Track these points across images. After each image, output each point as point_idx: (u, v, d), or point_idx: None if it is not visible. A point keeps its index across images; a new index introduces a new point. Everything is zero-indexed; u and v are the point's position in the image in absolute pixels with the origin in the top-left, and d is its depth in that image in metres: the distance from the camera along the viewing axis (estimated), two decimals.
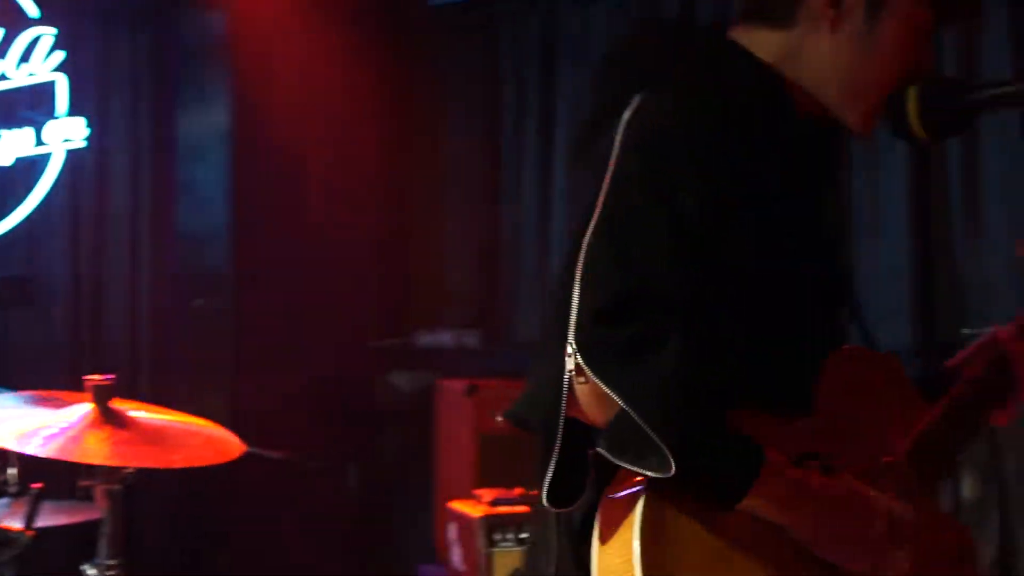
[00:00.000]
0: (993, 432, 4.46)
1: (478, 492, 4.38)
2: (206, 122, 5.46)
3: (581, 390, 1.58)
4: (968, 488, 4.51)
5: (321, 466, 5.08)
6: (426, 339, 5.65)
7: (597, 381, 1.54)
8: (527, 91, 5.61)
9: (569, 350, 1.57)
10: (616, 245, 1.61)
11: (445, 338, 5.60)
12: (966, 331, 4.53)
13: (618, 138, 1.69)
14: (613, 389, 1.53)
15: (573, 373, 1.57)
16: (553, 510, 1.64)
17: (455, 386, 4.93)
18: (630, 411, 1.53)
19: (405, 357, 5.72)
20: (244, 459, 3.26)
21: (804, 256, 1.80)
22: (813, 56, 1.82)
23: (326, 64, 5.57)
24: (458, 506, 4.38)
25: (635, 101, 1.73)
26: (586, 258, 1.61)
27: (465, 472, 4.65)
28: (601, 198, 1.65)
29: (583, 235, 1.63)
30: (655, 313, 1.56)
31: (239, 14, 5.39)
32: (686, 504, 1.58)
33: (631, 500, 1.59)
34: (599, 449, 1.58)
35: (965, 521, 4.47)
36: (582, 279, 1.60)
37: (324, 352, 5.55)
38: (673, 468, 1.52)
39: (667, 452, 1.52)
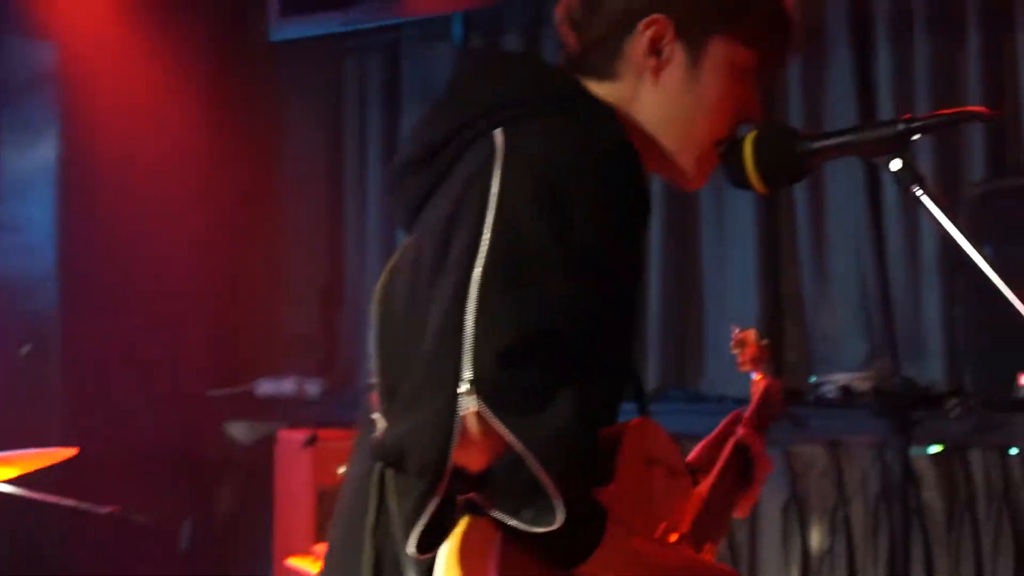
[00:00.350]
0: (841, 481, 4.51)
1: (317, 548, 4.27)
2: (32, 158, 5.26)
3: (471, 431, 1.51)
4: (815, 539, 4.54)
5: (153, 521, 4.90)
6: (266, 387, 5.54)
7: (499, 426, 1.48)
8: (370, 130, 5.58)
9: (463, 388, 1.49)
10: (513, 283, 1.53)
11: (286, 386, 5.50)
12: (814, 379, 4.58)
13: (498, 169, 1.61)
14: (515, 435, 1.48)
15: (471, 412, 1.49)
16: (419, 556, 1.56)
17: (295, 437, 4.83)
18: (529, 459, 1.48)
19: (244, 406, 5.62)
20: (72, 514, 3.11)
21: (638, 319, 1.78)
22: (638, 108, 1.81)
23: (162, 100, 5.44)
24: (296, 562, 4.26)
25: (504, 131, 1.67)
26: (480, 297, 1.52)
27: (304, 527, 4.55)
28: (488, 233, 1.56)
29: (467, 270, 1.55)
30: (557, 356, 1.51)
31: (69, 45, 5.22)
32: (515, 554, 1.54)
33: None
34: (477, 495, 1.53)
35: (814, 572, 4.49)
36: (477, 320, 1.51)
37: (158, 401, 5.39)
38: (559, 522, 1.48)
39: (558, 506, 1.48)
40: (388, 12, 5.00)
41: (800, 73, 4.66)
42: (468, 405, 1.48)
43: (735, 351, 2.60)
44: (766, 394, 2.46)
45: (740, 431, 2.20)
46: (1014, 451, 4.20)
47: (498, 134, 1.66)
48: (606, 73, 1.81)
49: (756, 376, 2.56)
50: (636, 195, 1.65)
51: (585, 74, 1.82)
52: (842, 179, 4.58)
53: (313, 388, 5.45)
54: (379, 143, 5.53)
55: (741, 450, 2.14)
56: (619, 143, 1.66)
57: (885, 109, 4.50)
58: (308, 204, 5.76)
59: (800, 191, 4.65)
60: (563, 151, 1.61)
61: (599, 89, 1.81)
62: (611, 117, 1.74)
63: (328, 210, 5.73)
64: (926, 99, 4.42)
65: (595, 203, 1.58)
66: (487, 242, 1.55)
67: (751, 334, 2.60)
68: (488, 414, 1.48)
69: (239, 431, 5.64)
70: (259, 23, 5.51)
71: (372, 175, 5.55)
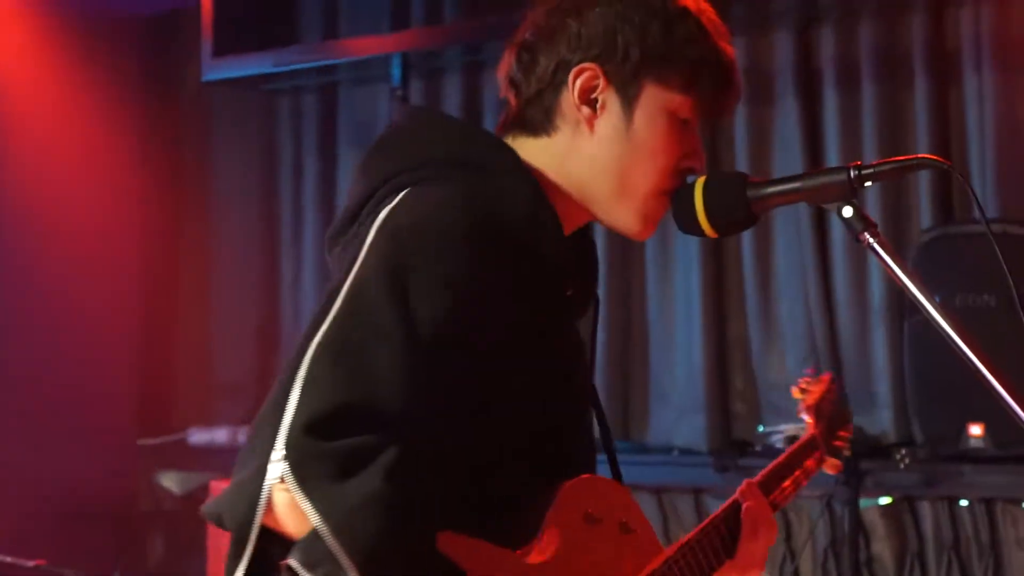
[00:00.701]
0: (789, 534, 4.47)
1: None
2: None
3: (279, 499, 1.52)
4: None
5: (82, 574, 4.80)
6: (199, 436, 5.47)
7: (299, 495, 1.50)
8: (306, 172, 5.55)
9: (275, 456, 1.51)
10: (343, 351, 1.56)
11: (219, 435, 5.43)
12: (761, 429, 4.56)
13: (370, 235, 1.66)
14: (312, 504, 1.50)
15: (276, 480, 1.51)
16: None
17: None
18: (322, 528, 1.49)
19: (176, 456, 5.54)
20: None
21: (550, 384, 1.76)
22: (577, 159, 1.81)
23: (83, 142, 5.39)
24: None
25: (399, 196, 1.70)
26: (310, 363, 1.55)
27: None
28: (339, 299, 1.60)
29: (313, 334, 1.59)
30: (372, 428, 1.52)
31: None
32: None
33: None
34: (290, 562, 1.53)
35: None
36: (302, 385, 1.54)
37: (87, 450, 5.30)
38: None
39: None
40: (323, 53, 4.98)
41: (746, 119, 4.66)
42: (275, 473, 1.50)
43: (798, 396, 2.56)
44: (807, 443, 2.40)
45: (742, 486, 2.10)
46: (964, 503, 4.19)
47: (387, 205, 1.69)
48: (543, 128, 1.82)
49: (808, 420, 2.52)
50: (497, 270, 1.66)
51: (524, 131, 1.84)
52: (789, 224, 4.57)
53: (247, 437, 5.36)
54: (315, 185, 5.49)
55: (734, 509, 2.03)
56: (483, 217, 1.67)
57: (832, 156, 4.50)
58: (242, 246, 5.71)
59: (746, 236, 4.64)
60: (418, 224, 1.64)
61: (536, 145, 1.82)
62: (502, 186, 1.73)
63: (263, 252, 5.67)
64: (873, 146, 4.43)
65: (441, 278, 1.61)
66: (334, 312, 1.59)
67: (827, 376, 2.58)
68: (291, 483, 1.49)
69: (171, 481, 5.55)
70: (191, 63, 5.49)
71: (308, 217, 5.51)
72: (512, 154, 1.80)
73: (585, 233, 1.91)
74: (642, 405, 4.87)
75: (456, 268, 1.62)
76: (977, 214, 1.64)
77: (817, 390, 2.55)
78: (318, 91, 5.48)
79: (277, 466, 1.49)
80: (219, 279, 5.76)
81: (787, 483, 2.26)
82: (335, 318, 1.58)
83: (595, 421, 1.98)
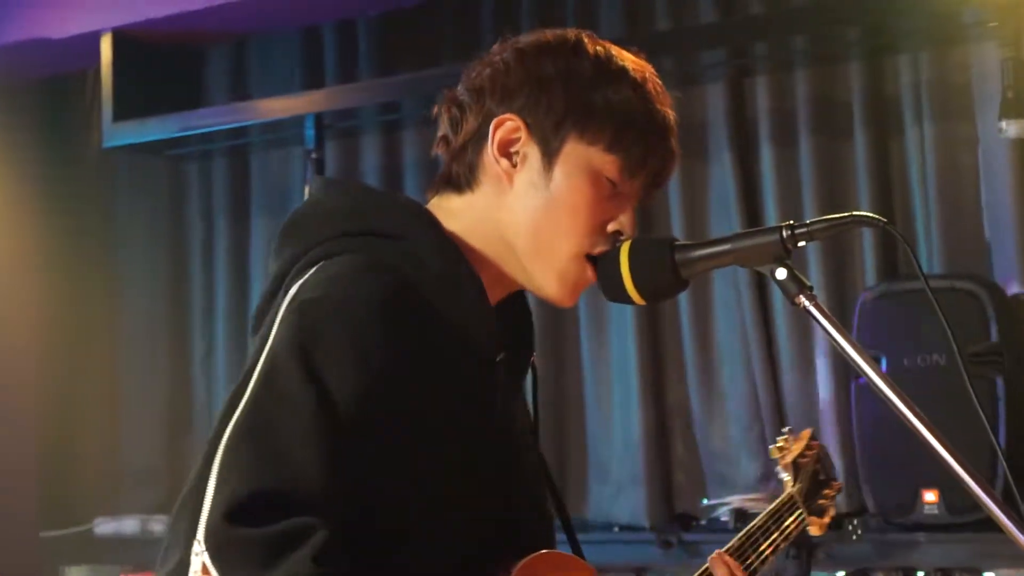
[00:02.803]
0: None
1: None
2: None
3: None
4: None
5: None
6: (106, 527, 5.42)
7: None
8: (217, 241, 5.52)
9: (196, 548, 1.53)
10: (260, 434, 1.57)
11: (128, 525, 5.39)
12: (706, 501, 4.55)
13: (280, 313, 1.67)
14: None
15: (199, 572, 1.52)
16: None
17: None
18: None
19: (82, 548, 5.48)
20: None
21: (486, 458, 1.76)
22: (497, 215, 1.82)
23: None
24: None
25: (310, 272, 1.72)
26: (226, 448, 1.57)
27: None
28: (252, 381, 1.62)
29: (228, 419, 1.60)
30: (295, 513, 1.53)
31: None
32: None
33: None
34: None
35: None
36: (219, 472, 1.56)
37: None
38: None
39: None
40: (231, 115, 4.96)
41: (679, 175, 4.68)
42: (198, 566, 1.51)
43: (776, 456, 2.57)
44: (785, 504, 2.41)
45: (712, 557, 2.15)
46: (921, 574, 4.19)
47: (299, 281, 1.71)
48: (468, 183, 1.84)
49: (786, 479, 2.52)
50: (413, 339, 1.66)
51: (449, 187, 1.85)
52: (728, 285, 4.59)
53: (158, 527, 5.31)
54: (227, 254, 5.46)
55: None
56: (395, 285, 1.68)
57: (770, 212, 4.53)
58: (149, 322, 5.66)
59: (684, 299, 4.65)
60: (326, 297, 1.65)
61: (460, 203, 1.84)
62: (416, 252, 1.74)
63: (171, 327, 5.63)
64: (813, 201, 4.47)
65: (353, 352, 1.61)
66: (247, 394, 1.60)
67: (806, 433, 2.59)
68: (213, 572, 1.50)
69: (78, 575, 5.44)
70: (92, 128, 5.46)
71: (220, 289, 5.47)
72: (428, 219, 1.80)
73: (520, 295, 1.91)
74: (579, 480, 4.85)
75: (368, 340, 1.62)
76: (912, 270, 1.67)
77: (796, 448, 2.56)
78: (228, 155, 5.46)
79: (199, 558, 1.51)
80: (125, 357, 5.69)
81: (765, 547, 2.27)
82: (249, 400, 1.60)
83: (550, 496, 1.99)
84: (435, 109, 1.91)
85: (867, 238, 4.41)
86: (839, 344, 1.69)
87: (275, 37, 5.28)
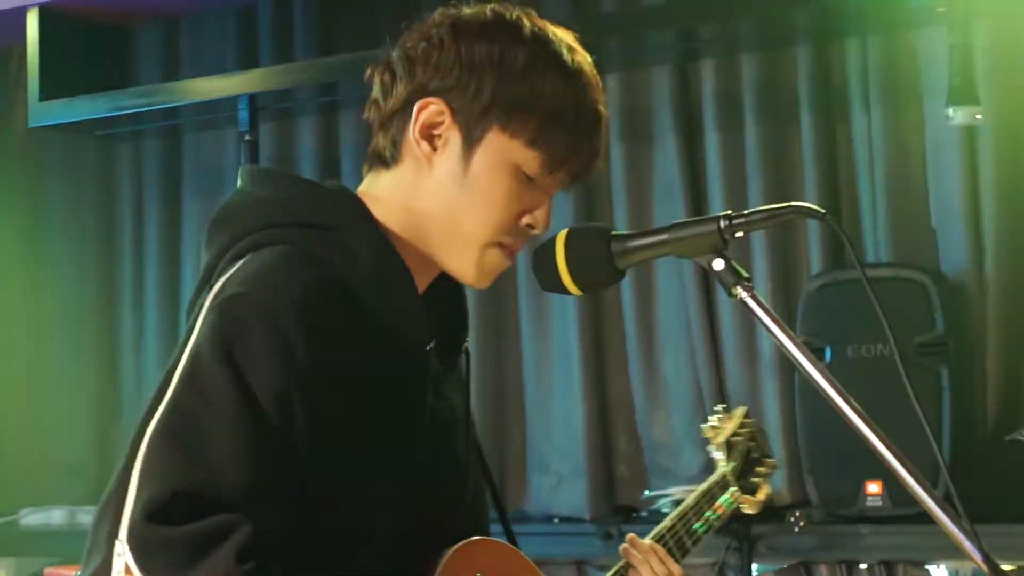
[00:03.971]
0: None
1: None
2: None
3: None
4: None
5: None
6: (32, 518, 5.38)
7: None
8: (148, 223, 5.49)
9: (118, 548, 1.55)
10: (180, 432, 1.59)
11: (55, 516, 5.36)
12: (648, 493, 4.57)
13: (204, 308, 1.69)
14: None
15: (122, 572, 1.54)
16: None
17: (65, 574, 4.67)
18: None
19: (7, 540, 5.44)
20: None
21: (415, 449, 1.78)
22: (417, 196, 1.84)
23: None
24: None
25: (235, 266, 1.73)
26: (148, 447, 1.59)
27: None
28: (174, 379, 1.64)
29: (151, 417, 1.62)
30: (217, 510, 1.56)
31: None
32: None
33: None
34: None
35: None
36: (141, 471, 1.58)
37: None
38: None
39: None
40: (163, 96, 4.93)
41: (624, 160, 4.70)
42: (120, 566, 1.54)
43: (709, 435, 2.59)
44: (716, 483, 2.44)
45: (625, 543, 2.18)
46: (864, 566, 4.23)
47: (226, 272, 1.73)
48: (392, 158, 1.85)
49: (719, 457, 2.54)
50: (338, 332, 1.68)
51: (378, 162, 1.87)
52: (671, 275, 4.61)
53: (87, 518, 5.27)
54: (159, 238, 5.42)
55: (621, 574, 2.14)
56: (318, 276, 1.69)
57: (715, 199, 4.55)
58: (76, 308, 5.61)
59: (627, 286, 4.67)
60: (247, 292, 1.66)
61: (388, 178, 1.85)
62: (342, 241, 1.75)
63: (100, 313, 5.58)
64: (759, 188, 4.48)
65: (274, 347, 1.62)
66: (169, 392, 1.62)
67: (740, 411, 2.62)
68: (136, 572, 1.52)
69: (4, 569, 5.46)
70: (16, 106, 5.41)
71: (151, 273, 5.44)
72: (359, 209, 1.81)
73: (450, 279, 1.91)
74: (519, 472, 4.86)
75: (291, 337, 1.63)
76: (852, 260, 1.68)
77: (730, 426, 2.59)
78: (160, 136, 5.42)
79: (121, 558, 1.53)
80: (51, 344, 5.64)
81: (698, 524, 2.31)
82: (170, 399, 1.61)
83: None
84: (368, 71, 1.91)
85: (813, 226, 4.44)
86: (775, 336, 1.70)
87: (208, 14, 5.24)
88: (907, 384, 1.70)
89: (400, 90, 1.83)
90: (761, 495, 2.58)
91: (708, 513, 2.39)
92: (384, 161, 1.85)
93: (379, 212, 1.82)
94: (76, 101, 4.90)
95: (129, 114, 4.97)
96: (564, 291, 1.83)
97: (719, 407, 2.70)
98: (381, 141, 1.86)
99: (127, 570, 1.52)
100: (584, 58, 1.87)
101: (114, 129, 5.27)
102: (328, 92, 4.89)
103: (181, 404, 1.60)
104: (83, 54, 5.03)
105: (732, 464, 2.54)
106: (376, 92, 1.88)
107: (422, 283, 1.85)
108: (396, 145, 1.84)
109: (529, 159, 1.81)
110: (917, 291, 4.00)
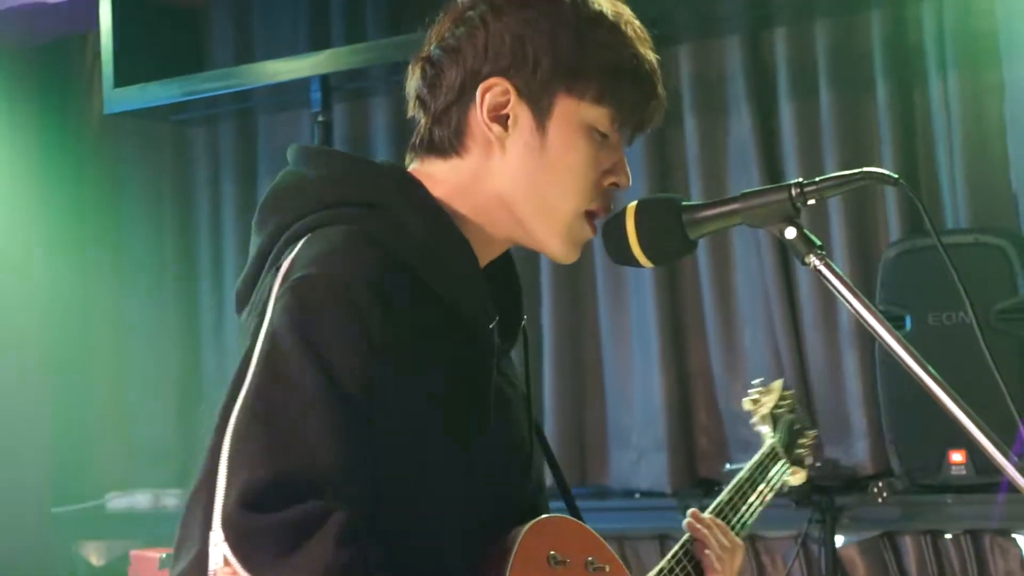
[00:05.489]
0: None
1: None
2: None
3: None
4: None
5: None
6: (118, 502, 5.46)
7: (244, 575, 1.51)
8: (224, 207, 5.54)
9: (213, 538, 1.53)
10: (267, 417, 1.57)
11: (140, 500, 5.42)
12: (729, 466, 4.55)
13: (274, 291, 1.66)
14: None
15: (220, 565, 1.52)
16: None
17: (150, 556, 4.70)
18: None
19: (94, 524, 5.53)
20: None
21: (483, 428, 1.77)
22: (490, 181, 1.81)
23: None
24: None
25: (298, 245, 1.71)
26: (234, 436, 1.56)
27: None
28: (252, 364, 1.61)
29: (232, 406, 1.59)
30: (311, 496, 1.53)
31: None
32: None
33: None
34: None
35: None
36: (229, 460, 1.55)
37: None
38: None
39: None
40: (235, 79, 4.95)
41: (697, 131, 4.67)
42: (217, 557, 1.52)
43: (750, 408, 2.61)
44: (767, 455, 2.45)
45: (688, 518, 2.19)
46: (949, 536, 4.19)
47: (289, 256, 1.70)
48: (453, 149, 1.82)
49: (764, 431, 2.55)
50: (408, 311, 1.67)
51: (433, 153, 1.84)
52: (749, 245, 4.58)
53: (171, 501, 5.34)
54: (235, 221, 5.48)
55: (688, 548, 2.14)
56: (385, 257, 1.68)
57: (791, 167, 4.52)
58: (157, 293, 5.68)
59: (703, 258, 4.65)
60: (318, 274, 1.64)
61: (446, 168, 1.82)
62: (404, 222, 1.74)
63: (179, 298, 5.65)
64: (834, 156, 4.45)
65: (351, 328, 1.61)
66: (249, 377, 1.60)
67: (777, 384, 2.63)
68: (236, 564, 1.50)
69: (90, 552, 5.53)
70: (93, 93, 5.47)
71: (228, 257, 5.49)
72: (414, 185, 1.79)
73: (507, 258, 1.92)
74: (599, 447, 4.86)
75: (366, 317, 1.62)
76: (928, 228, 1.66)
77: (769, 400, 2.59)
78: (234, 120, 5.47)
79: (218, 549, 1.51)
80: (132, 329, 5.71)
81: (754, 498, 2.30)
82: (251, 385, 1.59)
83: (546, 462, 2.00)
84: (408, 69, 1.89)
85: (890, 193, 4.39)
86: (850, 304, 1.68)
87: None
88: (986, 352, 1.68)
89: (451, 81, 1.81)
90: (806, 467, 2.59)
91: (762, 486, 2.39)
92: (442, 151, 1.82)
93: (439, 192, 1.80)
94: (150, 87, 4.94)
95: (203, 98, 5.01)
96: (635, 264, 1.81)
97: (756, 381, 2.70)
98: (437, 133, 1.82)
99: (225, 561, 1.51)
100: (624, 8, 1.86)
101: (189, 114, 5.31)
102: (400, 71, 4.87)
103: (264, 389, 1.58)
104: (156, 39, 5.06)
105: (778, 435, 2.54)
106: (418, 87, 1.86)
107: (485, 259, 1.84)
108: (459, 135, 1.81)
109: (599, 116, 1.80)
110: (998, 256, 3.95)
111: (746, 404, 2.62)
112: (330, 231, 1.70)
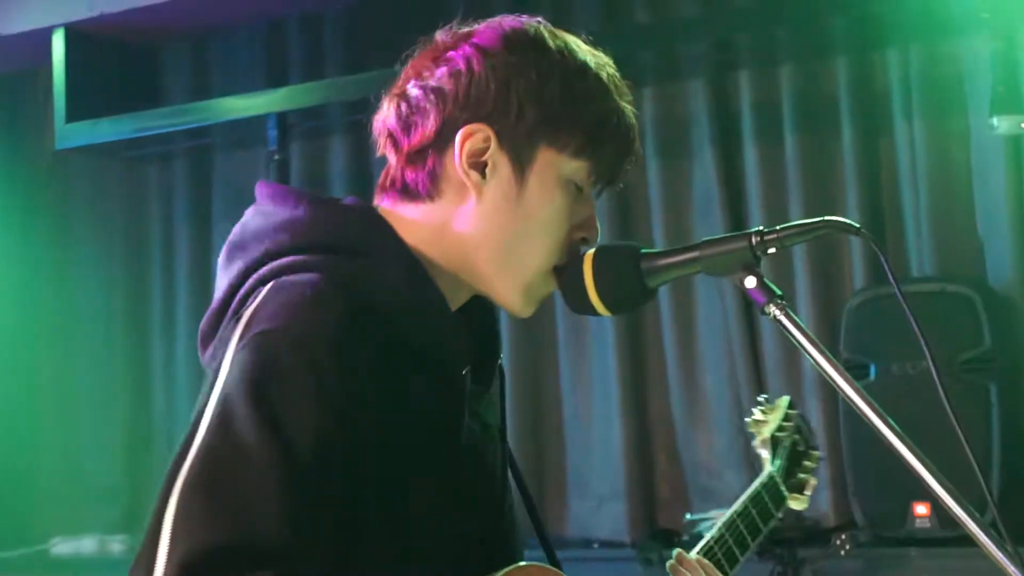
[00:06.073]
0: None
1: None
2: None
3: None
4: None
5: None
6: (63, 547, 5.41)
7: None
8: (178, 245, 5.52)
9: None
10: (213, 489, 1.52)
11: (86, 545, 5.39)
12: (690, 516, 4.54)
13: (233, 343, 1.62)
14: None
15: None
16: None
17: None
18: None
19: (39, 570, 5.49)
20: None
21: (456, 481, 1.74)
22: (460, 228, 1.78)
23: None
24: None
25: (263, 291, 1.67)
26: (179, 501, 1.52)
27: None
28: (203, 423, 1.56)
29: (180, 466, 1.54)
30: (256, 565, 1.49)
31: None
32: None
33: None
34: None
35: None
36: (172, 527, 1.50)
37: None
38: None
39: None
40: (190, 115, 4.94)
41: (661, 175, 4.69)
42: None
43: (753, 430, 2.56)
44: (764, 484, 2.41)
45: (674, 559, 2.14)
46: None
47: (251, 305, 1.66)
48: (426, 193, 1.78)
49: (764, 456, 2.52)
50: (375, 366, 1.63)
51: (404, 196, 1.79)
52: (711, 290, 4.59)
53: (118, 546, 5.31)
54: (188, 260, 5.47)
55: None
56: (352, 306, 1.64)
57: (755, 213, 4.54)
58: (106, 333, 5.64)
59: (665, 303, 4.65)
60: (279, 328, 1.61)
61: (416, 212, 1.78)
62: (374, 267, 1.71)
63: (130, 338, 5.62)
64: (799, 201, 4.47)
65: (311, 388, 1.57)
66: (199, 438, 1.55)
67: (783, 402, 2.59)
68: None
69: None
70: (43, 130, 5.45)
71: (181, 298, 5.47)
72: (385, 229, 1.76)
73: (481, 299, 1.87)
74: (557, 494, 4.85)
75: (325, 372, 1.58)
76: (889, 276, 1.65)
77: (773, 419, 2.55)
78: (188, 157, 5.45)
79: None
80: (80, 369, 5.67)
81: (746, 533, 2.28)
82: (201, 447, 1.55)
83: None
84: (380, 102, 1.83)
85: (855, 241, 4.40)
86: (810, 355, 1.68)
87: (236, 32, 5.26)
88: (947, 403, 1.67)
89: (429, 122, 1.77)
90: (808, 490, 2.54)
91: (757, 519, 2.36)
92: (412, 195, 1.78)
93: (410, 235, 1.77)
94: (103, 122, 4.93)
95: (157, 135, 5.00)
96: (593, 312, 1.79)
97: (761, 398, 2.65)
98: (409, 175, 1.78)
99: None
100: (604, 59, 1.83)
101: (142, 150, 5.30)
102: (359, 109, 4.89)
103: (213, 454, 1.54)
104: (109, 74, 5.06)
105: (778, 463, 2.50)
106: (391, 125, 1.80)
107: (455, 305, 1.80)
108: (434, 179, 1.77)
109: (578, 169, 1.77)
110: (964, 305, 3.97)
111: (749, 424, 2.58)
112: (296, 280, 1.67)
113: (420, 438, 1.69)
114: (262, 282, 1.69)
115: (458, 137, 1.75)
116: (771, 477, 2.46)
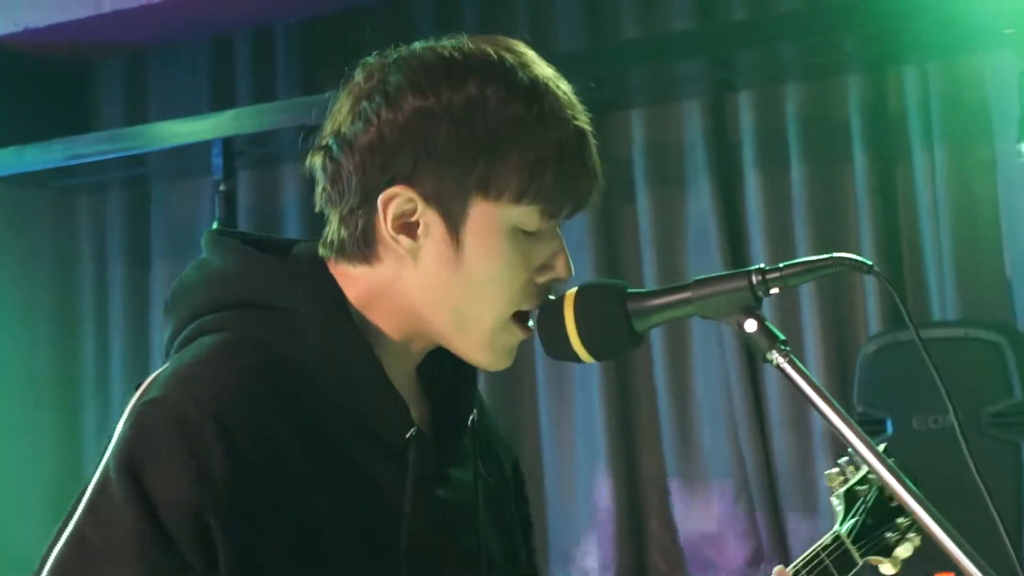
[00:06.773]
0: None
1: None
2: None
3: None
4: None
5: None
6: None
7: None
8: (111, 292, 5.52)
9: None
10: (80, 570, 1.60)
11: None
12: None
13: (127, 410, 1.66)
14: None
15: None
16: None
17: None
18: None
19: None
20: None
21: (388, 560, 1.74)
22: (404, 293, 1.78)
23: None
24: None
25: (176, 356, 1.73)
26: None
27: None
28: (84, 498, 1.63)
29: (58, 540, 1.62)
30: None
31: None
32: None
33: None
34: None
35: None
36: None
37: None
38: None
39: None
40: (126, 141, 4.95)
41: (652, 206, 4.70)
42: None
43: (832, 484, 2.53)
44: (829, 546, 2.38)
45: None
46: None
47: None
48: (364, 256, 1.78)
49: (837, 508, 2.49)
50: (261, 448, 1.65)
51: (344, 257, 1.79)
52: (708, 333, 4.59)
53: None
54: (124, 304, 5.47)
55: None
56: (263, 369, 1.68)
57: (756, 248, 4.55)
58: (31, 387, 5.60)
59: (658, 347, 4.66)
60: (163, 401, 1.64)
61: (358, 274, 1.79)
62: (297, 324, 1.73)
63: (58, 394, 5.59)
64: (806, 236, 4.48)
65: (186, 475, 1.61)
66: (73, 523, 1.61)
67: None
68: None
69: None
70: None
71: (115, 343, 5.48)
72: (319, 284, 1.77)
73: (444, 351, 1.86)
74: (540, 562, 4.83)
75: (202, 447, 1.61)
76: (907, 320, 1.63)
77: (858, 471, 2.52)
78: (124, 188, 5.45)
79: None
80: (3, 427, 5.61)
81: None
82: (74, 528, 1.61)
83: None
84: (307, 156, 1.84)
85: (870, 280, 4.41)
86: (817, 407, 1.66)
87: (177, 48, 5.27)
88: (972, 462, 1.67)
89: (350, 183, 1.75)
90: (903, 551, 2.48)
91: None
92: (351, 258, 1.78)
93: (354, 293, 1.78)
94: (28, 149, 4.93)
95: (89, 163, 5.00)
96: (575, 359, 1.78)
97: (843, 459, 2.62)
98: (345, 235, 1.77)
99: None
100: (540, 68, 1.78)
101: (72, 180, 5.30)
102: (314, 135, 4.89)
103: (82, 536, 1.60)
104: (36, 95, 5.08)
105: (853, 521, 2.47)
106: (323, 181, 1.80)
107: (408, 364, 1.82)
108: (369, 243, 1.77)
109: (523, 215, 1.75)
110: (991, 352, 3.96)
111: (830, 477, 2.55)
112: (204, 341, 1.70)
113: (344, 511, 1.70)
114: (187, 340, 1.73)
115: (379, 202, 1.73)
116: (836, 538, 2.43)
